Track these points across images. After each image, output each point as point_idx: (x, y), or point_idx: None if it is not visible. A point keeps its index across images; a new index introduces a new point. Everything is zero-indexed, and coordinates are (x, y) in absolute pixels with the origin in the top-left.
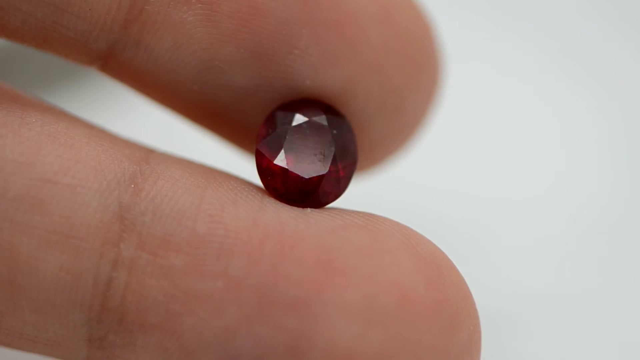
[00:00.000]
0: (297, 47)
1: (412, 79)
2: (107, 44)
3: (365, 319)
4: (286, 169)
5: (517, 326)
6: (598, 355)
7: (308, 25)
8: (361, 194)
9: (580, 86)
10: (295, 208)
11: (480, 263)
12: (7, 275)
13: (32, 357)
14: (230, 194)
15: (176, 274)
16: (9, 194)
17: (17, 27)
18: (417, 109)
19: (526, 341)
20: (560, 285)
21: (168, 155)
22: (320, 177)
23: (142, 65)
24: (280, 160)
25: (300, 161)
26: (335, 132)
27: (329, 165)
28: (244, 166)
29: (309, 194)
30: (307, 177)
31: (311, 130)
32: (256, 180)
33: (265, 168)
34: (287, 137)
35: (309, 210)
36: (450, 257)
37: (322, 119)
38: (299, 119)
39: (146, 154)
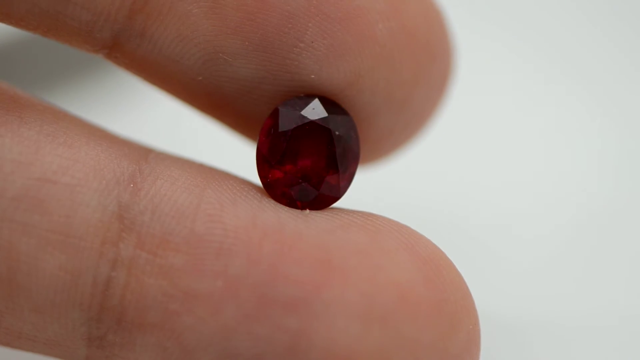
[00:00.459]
0: (302, 41)
1: (420, 73)
2: (111, 34)
3: (364, 318)
4: (286, 172)
5: (517, 328)
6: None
7: (314, 19)
8: (360, 193)
9: (583, 88)
10: (294, 209)
11: (480, 263)
12: (7, 274)
13: (31, 357)
14: (229, 193)
15: (175, 273)
16: (8, 193)
17: (22, 15)
18: (425, 103)
19: (526, 343)
20: (561, 288)
21: (167, 155)
22: (321, 181)
23: (147, 55)
24: (281, 161)
25: (301, 163)
26: (338, 133)
27: (330, 167)
28: (244, 166)
29: (309, 196)
30: (307, 180)
31: (313, 131)
32: (256, 179)
33: (265, 169)
34: (288, 138)
35: (308, 210)
36: (450, 257)
37: (325, 121)
38: (301, 119)
39: (145, 153)
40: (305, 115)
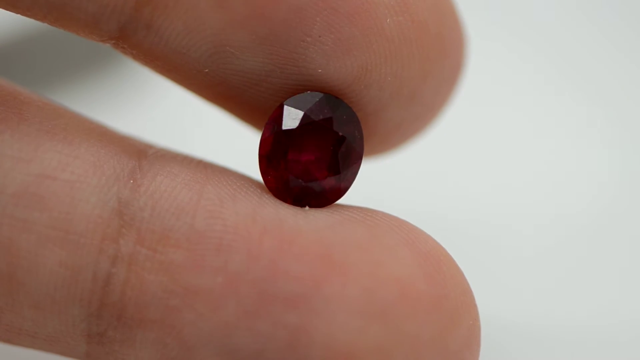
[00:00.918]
0: (310, 35)
1: (429, 68)
2: (118, 26)
3: (364, 314)
4: (288, 170)
5: (517, 324)
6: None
7: (322, 13)
8: (361, 189)
9: (586, 90)
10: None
11: (481, 260)
12: (7, 271)
13: (32, 353)
14: (229, 189)
15: (175, 269)
16: (8, 189)
17: (28, 6)
18: (434, 98)
19: (526, 339)
20: (561, 286)
21: (167, 151)
22: (322, 181)
23: (154, 47)
24: (283, 160)
25: (303, 163)
26: (341, 134)
27: (332, 167)
28: (246, 162)
29: (310, 195)
30: (308, 179)
31: (317, 131)
32: (256, 175)
33: (267, 167)
34: (291, 137)
35: (307, 207)
36: (450, 254)
37: (328, 121)
38: (305, 118)
39: (145, 149)
40: (310, 114)
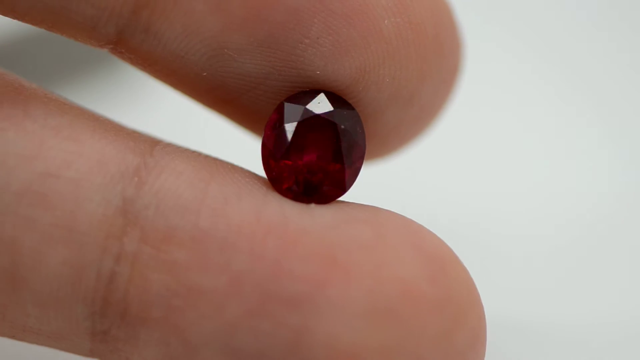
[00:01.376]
0: (308, 37)
1: (427, 69)
2: (116, 29)
3: (367, 314)
4: (292, 165)
5: (522, 325)
6: None
7: (320, 15)
8: (366, 189)
9: (589, 92)
10: (299, 203)
11: (484, 263)
12: (10, 268)
13: (36, 349)
14: (234, 187)
15: (179, 268)
16: (12, 187)
17: (26, 10)
18: (433, 99)
19: (531, 341)
20: (565, 287)
21: (173, 147)
22: (327, 173)
23: (152, 51)
24: (286, 156)
25: (306, 156)
26: (343, 127)
27: (336, 161)
28: (251, 158)
29: (315, 190)
30: (313, 173)
31: (319, 125)
32: (262, 171)
33: (271, 163)
34: (294, 132)
35: (313, 204)
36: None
37: (330, 114)
38: (306, 113)
39: (151, 146)
40: (311, 109)
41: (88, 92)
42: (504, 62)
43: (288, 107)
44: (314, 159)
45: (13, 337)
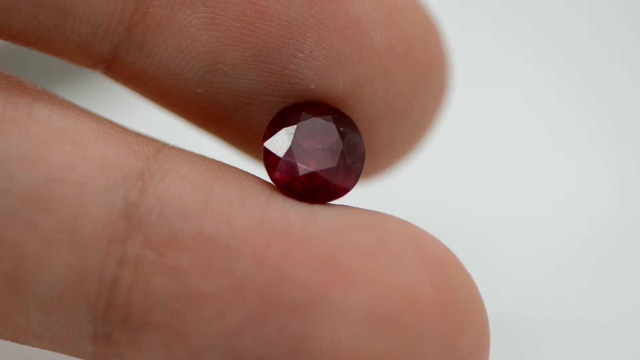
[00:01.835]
0: (301, 51)
1: (418, 83)
2: (110, 47)
3: (370, 320)
4: (294, 165)
5: (526, 330)
6: None
7: (313, 29)
8: (370, 192)
9: (590, 93)
10: (303, 205)
11: (487, 268)
12: (12, 272)
13: (38, 352)
14: (237, 191)
15: (182, 273)
16: (14, 191)
17: (21, 29)
18: (425, 112)
19: (534, 345)
20: (569, 290)
21: (177, 150)
22: (329, 172)
23: (146, 68)
24: (288, 155)
25: (307, 156)
26: (342, 129)
27: (337, 160)
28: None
29: (318, 188)
30: (315, 171)
31: (318, 127)
32: (265, 174)
33: (272, 164)
34: (294, 133)
35: (317, 207)
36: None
37: (328, 118)
38: (305, 117)
39: (155, 150)
40: (310, 113)
41: (90, 94)
42: (507, 67)
43: (287, 111)
44: (315, 160)
45: (15, 340)
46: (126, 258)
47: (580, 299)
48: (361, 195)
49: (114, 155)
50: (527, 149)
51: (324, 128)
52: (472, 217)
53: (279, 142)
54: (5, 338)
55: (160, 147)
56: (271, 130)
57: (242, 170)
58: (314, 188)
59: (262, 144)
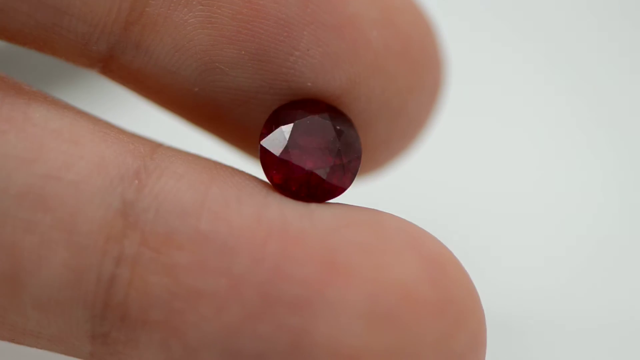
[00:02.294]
0: (298, 49)
1: (414, 81)
2: (107, 46)
3: (368, 317)
4: (290, 163)
5: (523, 328)
6: None
7: (309, 27)
8: (368, 190)
9: (588, 93)
10: (300, 203)
11: (484, 266)
12: (10, 271)
13: (36, 352)
14: (234, 190)
15: (179, 271)
16: (12, 190)
17: (17, 29)
18: (421, 111)
19: (531, 343)
20: (565, 288)
21: (173, 150)
22: (324, 174)
23: (143, 67)
24: (284, 154)
25: (304, 155)
26: (338, 127)
27: (334, 158)
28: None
29: (314, 187)
30: (311, 170)
31: (314, 126)
32: (262, 173)
33: (269, 163)
34: (290, 132)
35: (313, 205)
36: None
37: (325, 116)
38: (302, 115)
39: (151, 149)
40: (306, 111)
41: (87, 94)
42: (503, 65)
43: (284, 109)
44: (312, 158)
45: (13, 340)
46: (123, 256)
47: (578, 296)
48: (358, 193)
49: (111, 155)
50: (523, 147)
51: (321, 126)
52: (468, 215)
53: (276, 141)
54: (3, 338)
55: (156, 146)
56: (268, 128)
57: (238, 170)
58: (310, 187)
59: (259, 142)
